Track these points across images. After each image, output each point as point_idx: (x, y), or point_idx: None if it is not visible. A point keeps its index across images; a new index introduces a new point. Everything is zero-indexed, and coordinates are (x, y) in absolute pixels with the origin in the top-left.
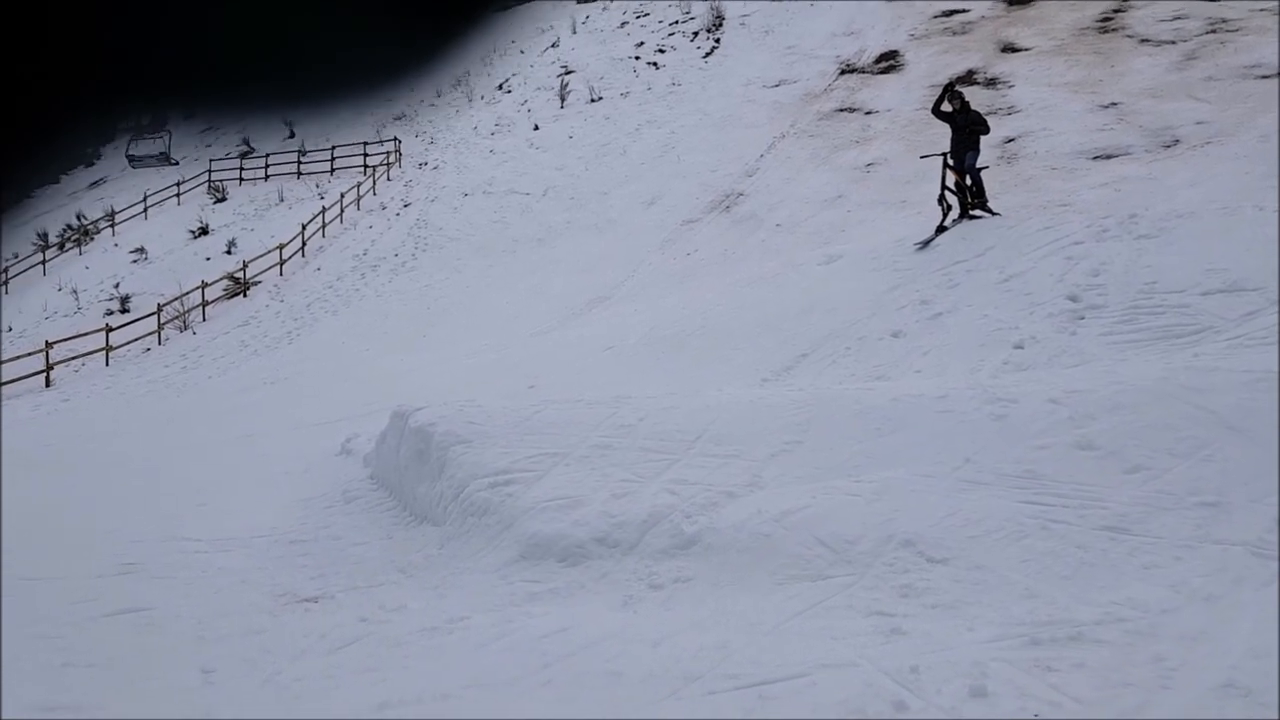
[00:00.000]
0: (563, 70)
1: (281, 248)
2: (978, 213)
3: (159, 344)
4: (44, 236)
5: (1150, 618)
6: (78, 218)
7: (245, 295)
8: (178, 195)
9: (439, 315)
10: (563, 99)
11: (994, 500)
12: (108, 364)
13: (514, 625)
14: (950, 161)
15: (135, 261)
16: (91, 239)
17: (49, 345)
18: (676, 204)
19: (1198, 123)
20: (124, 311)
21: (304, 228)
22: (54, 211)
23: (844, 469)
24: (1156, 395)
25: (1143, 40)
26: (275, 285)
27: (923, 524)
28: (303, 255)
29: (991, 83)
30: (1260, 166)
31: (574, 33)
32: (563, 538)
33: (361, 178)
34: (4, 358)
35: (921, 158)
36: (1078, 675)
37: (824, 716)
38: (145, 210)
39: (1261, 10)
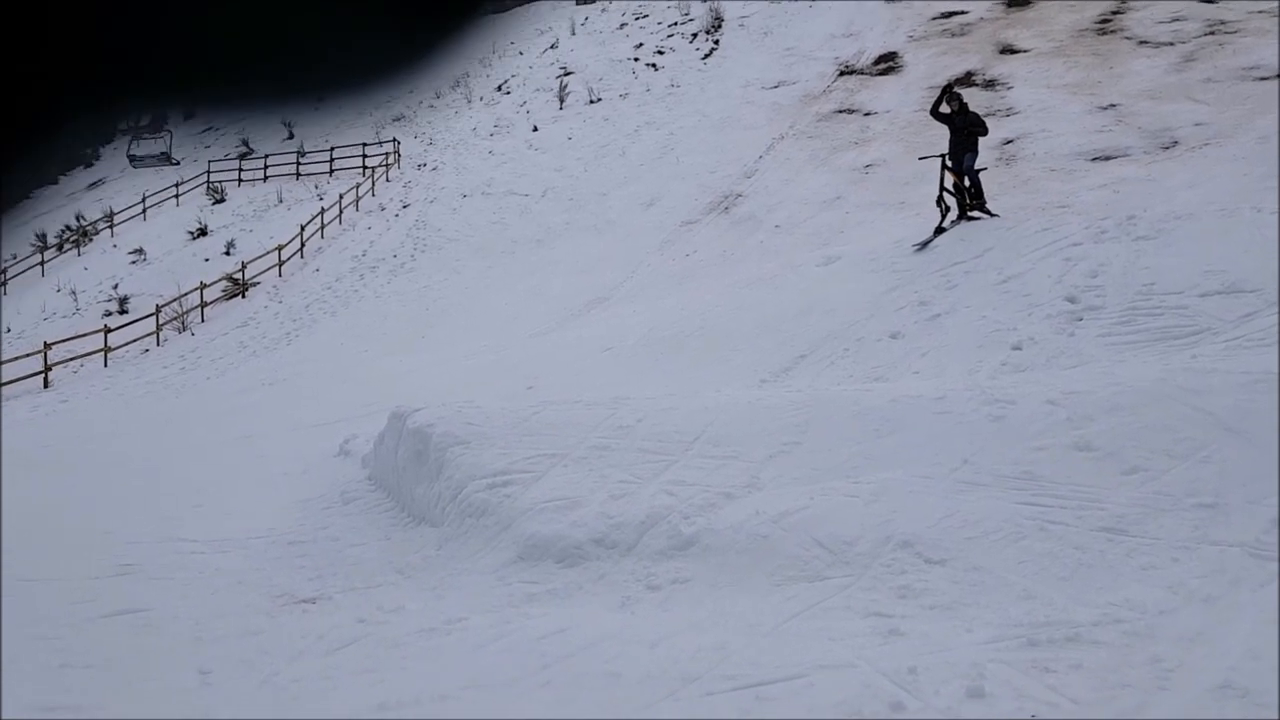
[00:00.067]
0: (562, 72)
1: (280, 249)
2: (976, 214)
3: (157, 345)
4: (42, 237)
5: (1148, 619)
6: (77, 218)
7: (244, 296)
8: (176, 196)
9: (438, 316)
10: (562, 100)
11: (992, 501)
12: (106, 365)
13: (512, 626)
14: (949, 163)
15: (134, 262)
16: (90, 240)
17: (47, 346)
18: (675, 205)
19: (1196, 124)
20: (123, 312)
21: (303, 229)
22: (53, 212)
23: (842, 470)
24: (1154, 396)
25: (1141, 42)
26: (274, 286)
27: (921, 525)
28: (301, 256)
29: (990, 84)
30: (1259, 168)
31: (573, 34)
32: (561, 539)
33: (360, 179)
34: (2, 359)
35: (920, 159)
36: (1075, 676)
37: (821, 717)
38: (144, 211)
39: (1260, 12)
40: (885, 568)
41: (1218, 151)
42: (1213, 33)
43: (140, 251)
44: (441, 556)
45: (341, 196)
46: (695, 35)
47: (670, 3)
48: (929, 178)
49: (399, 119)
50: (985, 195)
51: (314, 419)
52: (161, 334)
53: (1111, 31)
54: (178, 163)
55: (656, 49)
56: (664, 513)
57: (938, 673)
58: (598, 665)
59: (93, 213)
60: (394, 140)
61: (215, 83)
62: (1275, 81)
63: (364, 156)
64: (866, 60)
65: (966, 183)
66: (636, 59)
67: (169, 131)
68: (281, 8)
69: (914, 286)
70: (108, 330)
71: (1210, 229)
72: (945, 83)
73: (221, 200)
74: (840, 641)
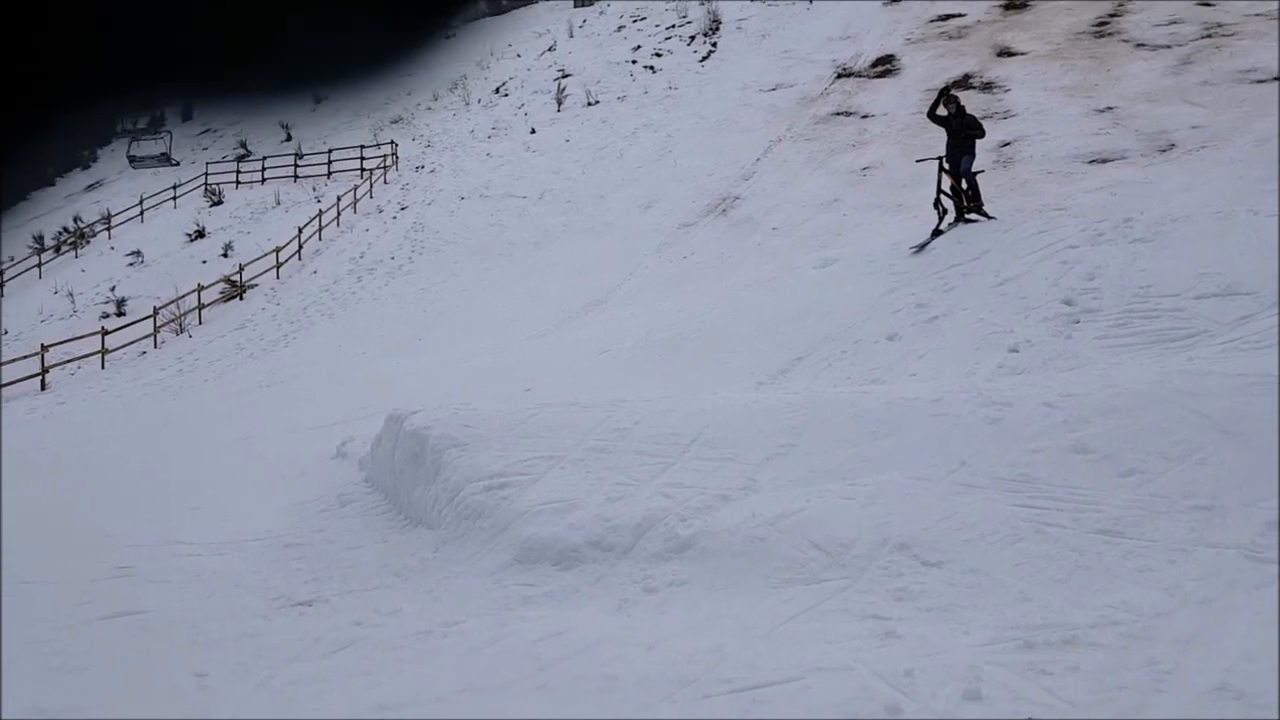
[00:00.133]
0: (559, 74)
1: (278, 251)
2: (973, 216)
3: (155, 347)
4: (40, 239)
5: (1144, 621)
6: (74, 220)
7: (241, 298)
8: (174, 198)
9: (435, 318)
10: (559, 103)
11: (989, 504)
12: (103, 367)
13: (508, 629)
14: (946, 165)
15: (131, 264)
16: (88, 242)
17: (45, 348)
18: (673, 207)
19: (1193, 127)
20: (120, 314)
21: (300, 231)
22: (50, 214)
23: (839, 472)
24: (1151, 399)
25: (1138, 45)
26: (271, 288)
27: (917, 527)
28: (299, 258)
29: (987, 87)
30: (1255, 171)
31: (571, 37)
32: (557, 541)
33: (358, 181)
34: (1, 360)
35: (917, 161)
36: (1072, 678)
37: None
38: (141, 213)
39: (1257, 15)
40: (882, 570)
41: (1214, 154)
42: (1209, 35)
43: (138, 253)
44: (438, 559)
45: (339, 199)
46: (693, 38)
47: (668, 5)
48: (926, 180)
49: (397, 121)
50: (982, 198)
51: (311, 421)
52: (159, 336)
53: (1109, 34)
54: (177, 163)
55: (654, 51)
56: (661, 515)
57: (934, 675)
58: (594, 668)
59: (90, 214)
60: (392, 142)
61: (213, 83)
62: (1272, 84)
63: (362, 159)
64: (864, 63)
65: (964, 185)
66: (634, 61)
67: (168, 132)
68: (279, 7)
69: (911, 289)
70: (105, 332)
71: (1207, 231)
72: (942, 85)
73: (219, 202)
74: (837, 644)
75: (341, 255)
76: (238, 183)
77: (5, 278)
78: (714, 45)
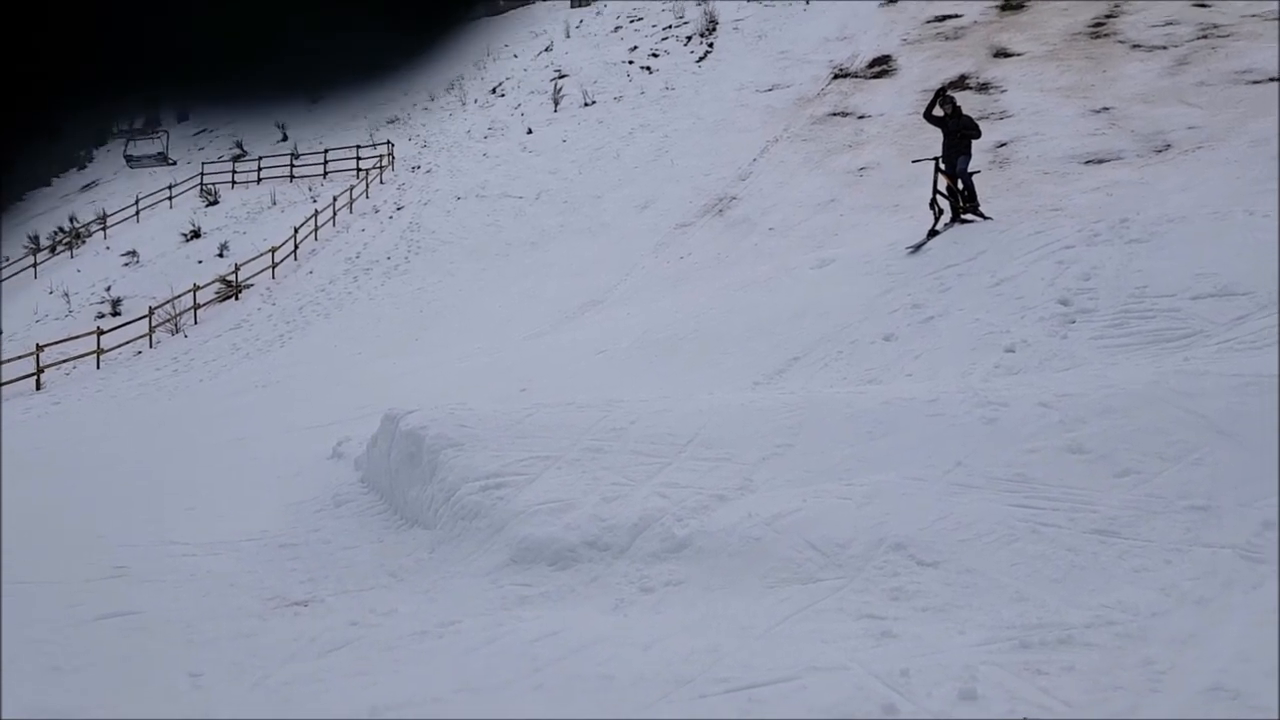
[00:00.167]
0: (556, 74)
1: (274, 251)
2: (969, 217)
3: (150, 347)
4: (35, 239)
5: (1140, 621)
6: (70, 220)
7: (237, 298)
8: (170, 198)
9: (431, 318)
10: (556, 103)
11: (985, 503)
12: (99, 367)
13: (504, 629)
14: (942, 166)
15: (127, 264)
16: (83, 242)
17: (40, 348)
18: (670, 208)
19: (1189, 128)
20: (115, 314)
21: (296, 231)
22: (46, 214)
23: (835, 472)
24: (1147, 399)
25: (1134, 45)
26: (267, 288)
27: (913, 527)
28: (295, 258)
29: (984, 87)
30: (1251, 171)
31: (567, 37)
32: (554, 541)
33: (354, 181)
34: (1, 359)
35: (913, 162)
36: (1067, 678)
37: (814, 719)
38: (137, 213)
39: (1253, 16)
40: (878, 570)
41: (1210, 155)
42: (1205, 36)
43: (133, 253)
44: (434, 559)
45: (335, 199)
46: (690, 38)
47: (665, 6)
48: (923, 181)
49: (393, 121)
50: (978, 198)
51: (307, 421)
52: (154, 336)
53: (1105, 35)
54: (174, 162)
55: (651, 52)
56: (657, 515)
57: (930, 675)
58: (590, 668)
59: (86, 214)
60: (388, 142)
61: (211, 83)
62: (1267, 85)
63: (358, 159)
64: (860, 63)
65: (960, 185)
66: (631, 62)
67: (165, 132)
68: (277, 8)
69: (907, 289)
70: (100, 332)
71: (1203, 232)
72: (939, 86)
73: (215, 202)
74: (833, 644)
75: (337, 255)
76: (233, 183)
77: (1, 278)
78: (710, 46)
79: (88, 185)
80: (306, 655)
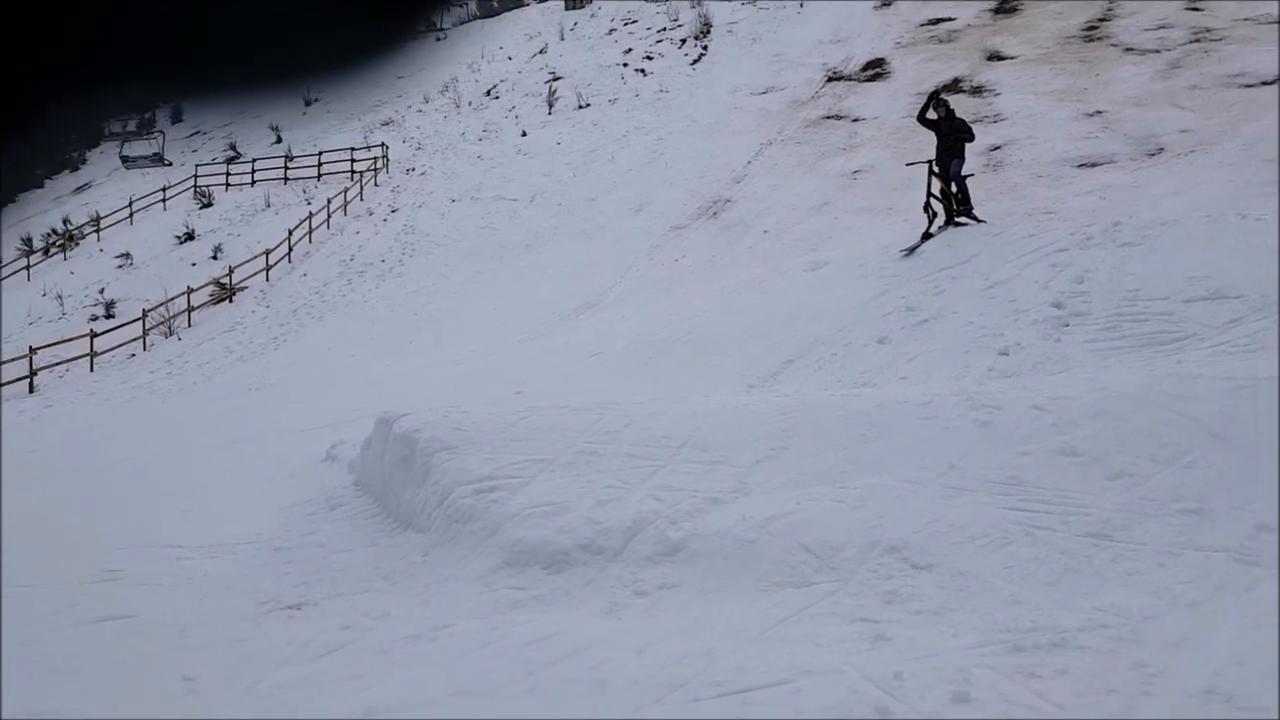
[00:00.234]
0: (551, 76)
1: (268, 253)
2: (963, 220)
3: (144, 350)
4: (28, 241)
5: (1133, 624)
6: (63, 222)
7: (231, 301)
8: (164, 200)
9: (426, 321)
10: (551, 105)
11: (978, 506)
12: (92, 369)
13: (498, 633)
14: (936, 169)
15: (120, 267)
16: (76, 244)
17: (33, 350)
18: (664, 210)
19: (1182, 131)
20: (109, 317)
21: (290, 233)
22: (39, 216)
23: (829, 475)
24: (1139, 402)
25: (1127, 49)
26: (261, 291)
27: (907, 530)
28: (289, 261)
29: (977, 91)
30: (1243, 174)
31: (562, 39)
32: (547, 544)
33: (349, 183)
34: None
35: (907, 165)
36: (1060, 681)
37: None
38: (131, 215)
39: (1245, 20)
40: (872, 573)
41: (1203, 158)
42: (1198, 40)
43: (127, 256)
44: (428, 562)
45: (329, 201)
46: (684, 41)
47: (659, 8)
48: (916, 184)
49: (387, 123)
50: (972, 201)
51: (301, 424)
52: (148, 339)
53: (1098, 39)
54: (169, 163)
55: (645, 54)
56: (651, 518)
57: (923, 678)
58: (584, 672)
59: (79, 216)
60: (382, 145)
61: (205, 80)
62: (1259, 88)
63: (352, 161)
64: (854, 66)
65: (953, 189)
66: (625, 64)
67: (160, 132)
68: (270, 5)
69: (901, 292)
70: (94, 335)
71: (1195, 235)
72: (932, 89)
73: (209, 204)
74: (827, 647)
75: (332, 258)
76: (227, 185)
77: (2, 276)
78: (705, 48)
79: (81, 187)
80: (300, 659)
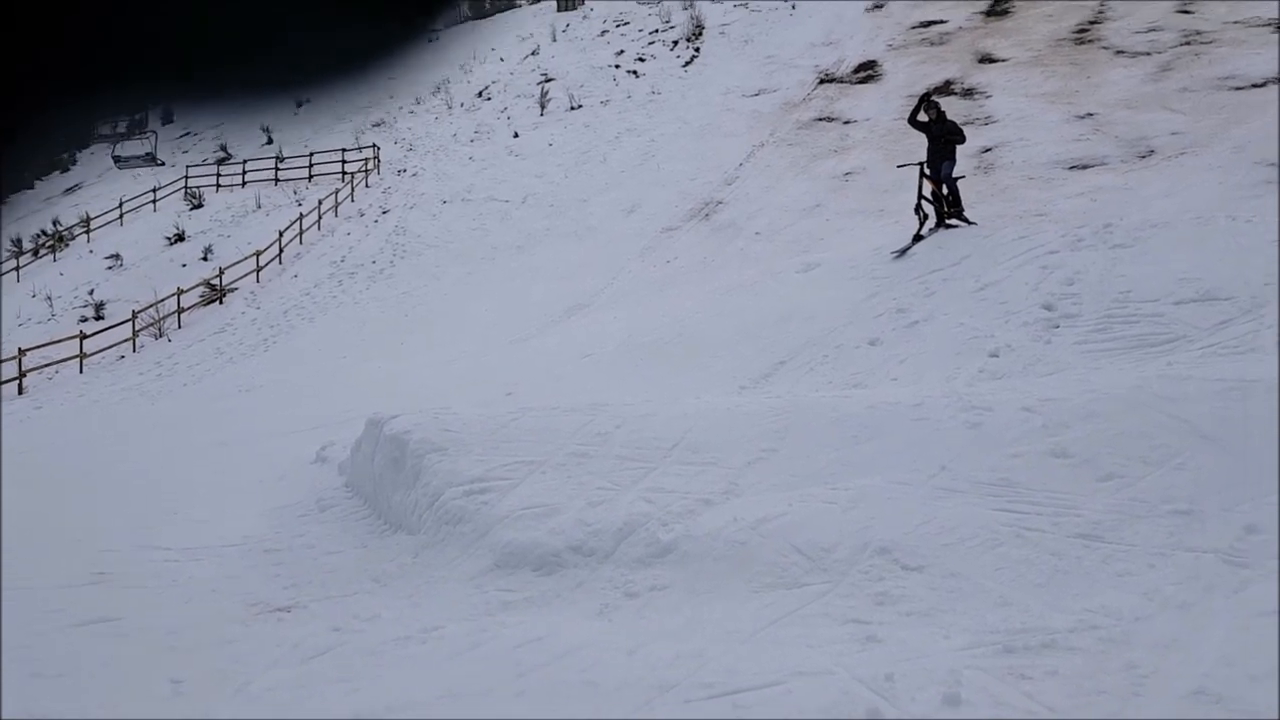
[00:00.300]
0: (543, 78)
1: (259, 254)
2: (954, 222)
3: (133, 351)
4: (18, 242)
5: (1123, 625)
6: (53, 223)
7: (221, 302)
8: (154, 201)
9: (417, 322)
10: (543, 107)
11: (969, 508)
12: (81, 371)
13: (488, 635)
14: (927, 171)
15: (110, 268)
16: (66, 245)
17: (22, 352)
18: (656, 212)
19: (1172, 133)
20: (99, 318)
21: (281, 234)
22: (28, 217)
23: (820, 476)
24: (1130, 404)
25: (1118, 52)
26: (252, 292)
27: (898, 531)
28: (280, 262)
29: (969, 93)
30: (1234, 177)
31: (554, 41)
32: (538, 546)
33: (340, 185)
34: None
35: (898, 167)
36: (1051, 683)
37: None
38: (121, 216)
39: (1236, 22)
40: (863, 574)
41: (1194, 160)
42: (1188, 43)
43: (117, 257)
44: (418, 564)
45: (320, 202)
46: (676, 43)
47: (651, 10)
48: (908, 185)
49: (379, 124)
50: (963, 203)
51: (291, 426)
52: (138, 340)
53: (1089, 41)
54: (162, 163)
55: (637, 56)
56: (642, 520)
57: (914, 679)
58: (575, 674)
59: (69, 217)
60: (374, 146)
61: (197, 80)
62: (1250, 91)
63: (343, 162)
64: (846, 69)
65: (944, 191)
66: (618, 66)
67: (153, 132)
68: (264, 5)
69: (893, 294)
70: (83, 336)
71: (1186, 237)
72: (924, 91)
73: (199, 205)
74: (818, 648)
75: (322, 259)
76: (218, 186)
77: (2, 274)
78: (697, 50)
79: (71, 188)
80: (289, 662)
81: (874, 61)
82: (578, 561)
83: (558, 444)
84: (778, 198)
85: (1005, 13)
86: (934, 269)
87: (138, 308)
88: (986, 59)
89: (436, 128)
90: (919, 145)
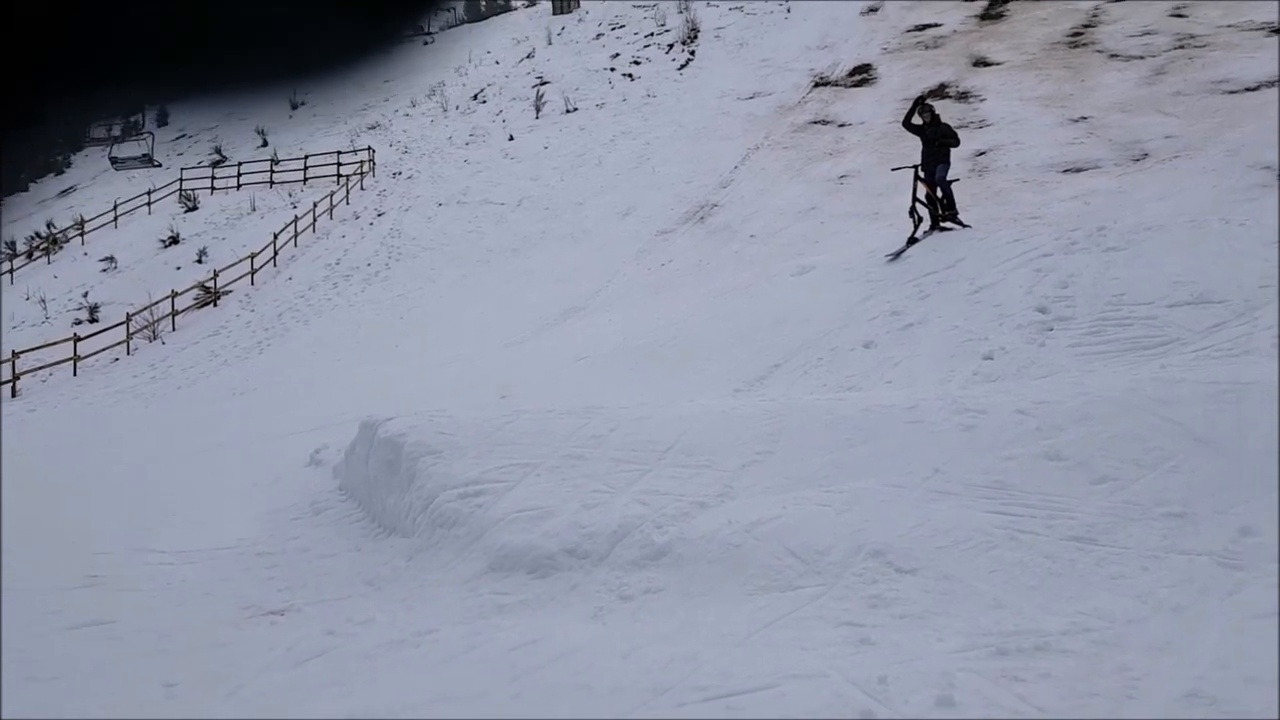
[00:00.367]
0: (538, 81)
1: (253, 257)
2: (948, 225)
3: (128, 354)
4: (12, 245)
5: (1117, 628)
6: (47, 226)
7: (216, 305)
8: (149, 204)
9: (412, 325)
10: (538, 109)
11: (962, 511)
12: (76, 374)
13: (483, 638)
14: (921, 174)
15: (105, 270)
16: (60, 247)
17: (16, 355)
18: (651, 215)
19: (1166, 137)
20: (93, 321)
21: (276, 237)
22: (22, 220)
23: (815, 479)
24: (1124, 406)
25: (1112, 55)
26: (246, 295)
27: (892, 534)
28: (274, 265)
29: (963, 96)
30: (1228, 180)
31: (549, 44)
32: (532, 549)
33: (335, 187)
34: None
35: (893, 170)
36: (1044, 685)
37: None
38: (115, 219)
39: (1229, 26)
40: (857, 577)
41: (1187, 164)
42: (1182, 46)
43: (111, 259)
44: (412, 567)
45: (315, 205)
46: (671, 46)
47: (647, 13)
48: (902, 189)
49: (374, 127)
50: (957, 206)
51: (285, 428)
52: (132, 343)
53: (1083, 45)
54: (159, 164)
55: (633, 59)
56: (637, 522)
57: (908, 682)
58: (569, 677)
59: (63, 220)
60: (369, 148)
61: (192, 79)
62: (1243, 95)
63: (338, 165)
64: (841, 72)
65: (939, 194)
66: (613, 69)
67: (149, 133)
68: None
69: (887, 296)
70: (77, 339)
71: (1179, 240)
72: (918, 94)
73: (194, 208)
74: (812, 651)
75: (317, 262)
76: (213, 188)
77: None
78: (692, 53)
79: (65, 190)
80: (282, 665)
81: (869, 65)
82: (572, 564)
83: (552, 447)
84: (773, 201)
85: (1000, 16)
86: (928, 272)
87: (132, 310)
88: (981, 62)
89: (432, 130)
90: (914, 148)
